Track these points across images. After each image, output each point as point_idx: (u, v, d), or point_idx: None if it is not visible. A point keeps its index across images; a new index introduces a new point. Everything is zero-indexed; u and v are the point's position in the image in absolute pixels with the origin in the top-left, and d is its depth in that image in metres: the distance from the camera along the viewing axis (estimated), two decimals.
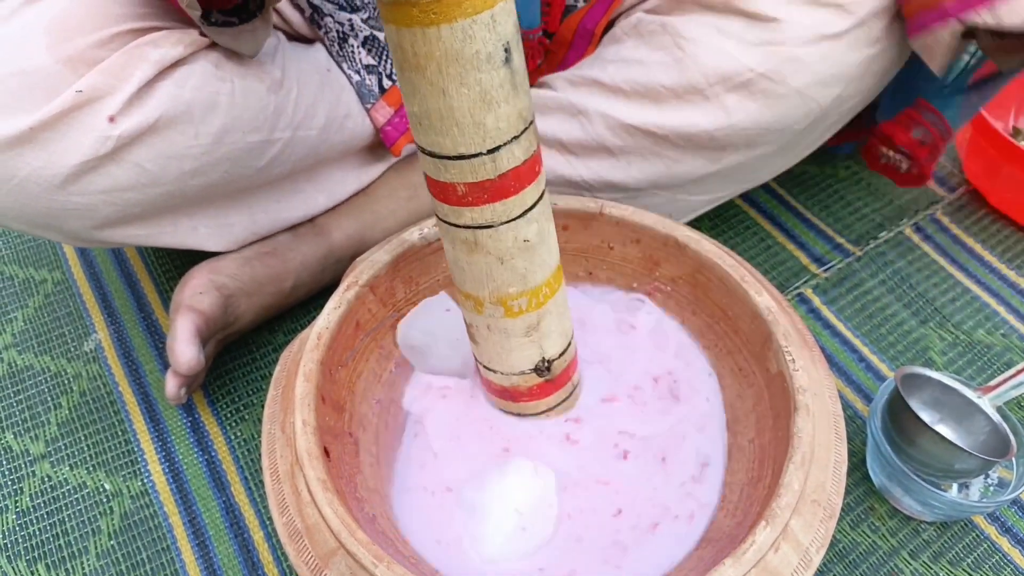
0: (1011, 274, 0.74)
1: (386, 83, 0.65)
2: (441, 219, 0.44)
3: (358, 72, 0.64)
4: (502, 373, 0.51)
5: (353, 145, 0.66)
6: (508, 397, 0.53)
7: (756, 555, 0.41)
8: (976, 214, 0.79)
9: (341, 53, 0.64)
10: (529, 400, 0.52)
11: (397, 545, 0.48)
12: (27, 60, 0.50)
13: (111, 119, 0.51)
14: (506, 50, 0.37)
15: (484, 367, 0.52)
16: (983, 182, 0.79)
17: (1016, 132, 0.84)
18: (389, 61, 0.65)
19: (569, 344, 0.51)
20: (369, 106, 0.64)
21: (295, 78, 0.60)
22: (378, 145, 0.68)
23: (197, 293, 0.59)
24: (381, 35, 0.64)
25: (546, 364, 0.50)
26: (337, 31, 0.63)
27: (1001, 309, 0.72)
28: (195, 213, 0.60)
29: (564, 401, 0.54)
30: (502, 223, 0.42)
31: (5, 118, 0.49)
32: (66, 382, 0.65)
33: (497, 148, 0.39)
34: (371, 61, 0.64)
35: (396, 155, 0.67)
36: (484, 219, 0.42)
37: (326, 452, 0.47)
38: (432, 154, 0.40)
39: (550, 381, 0.51)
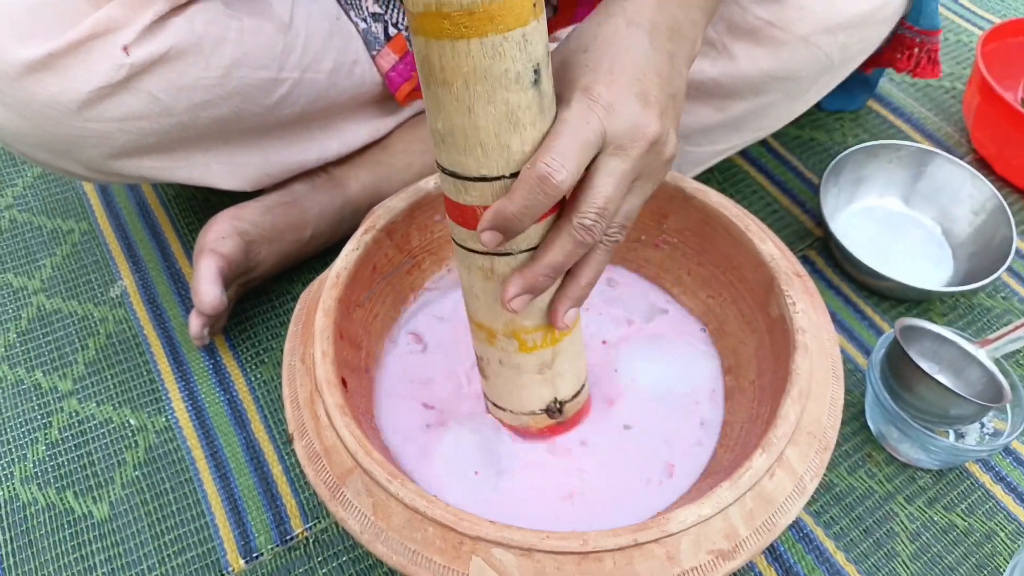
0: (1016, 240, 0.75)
1: (391, 31, 0.67)
2: (458, 244, 0.42)
3: (364, 20, 0.66)
4: (511, 412, 0.50)
5: (363, 92, 0.67)
6: (517, 435, 0.52)
7: (752, 479, 0.43)
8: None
9: (349, 1, 0.66)
10: (539, 440, 0.52)
11: (407, 473, 0.50)
12: None
13: (125, 49, 0.54)
14: (535, 71, 0.36)
15: (493, 404, 0.51)
16: (990, 151, 0.81)
17: None
18: (395, 9, 0.67)
19: (583, 386, 0.51)
20: (375, 53, 0.66)
21: (304, 22, 0.62)
22: (388, 98, 0.70)
23: (220, 237, 0.62)
24: None
25: (558, 405, 0.49)
26: None
27: (1005, 275, 0.73)
28: (208, 150, 0.62)
29: None
30: (521, 251, 0.41)
31: (27, 44, 0.52)
32: (93, 325, 0.68)
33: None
34: (377, 9, 0.66)
35: (400, 101, 0.69)
36: (503, 246, 0.40)
37: (343, 383, 0.49)
38: (453, 174, 0.39)
39: (561, 423, 0.51)
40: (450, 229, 0.43)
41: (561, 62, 0.40)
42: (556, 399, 0.49)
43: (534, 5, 0.35)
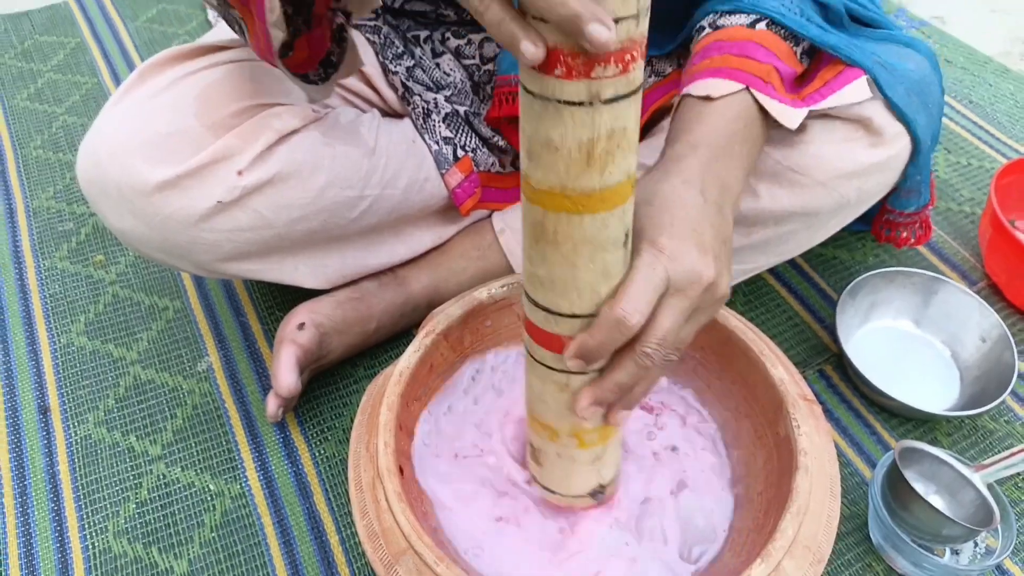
0: (1022, 366, 0.81)
1: (459, 153, 0.77)
2: (538, 361, 0.49)
3: (437, 143, 0.76)
4: (561, 495, 0.58)
5: (431, 205, 0.77)
6: (560, 513, 0.60)
7: None
8: (994, 307, 0.85)
9: (424, 126, 0.76)
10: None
11: (454, 555, 0.57)
12: (180, 123, 0.63)
13: (239, 173, 0.64)
14: (626, 235, 0.44)
15: (543, 487, 0.59)
16: (1001, 279, 0.87)
17: None
18: (463, 134, 0.77)
19: (618, 468, 0.59)
20: (444, 172, 0.76)
21: (386, 147, 0.72)
22: (451, 209, 0.79)
23: (298, 329, 0.71)
24: (461, 110, 0.77)
25: (601, 488, 0.57)
26: (423, 108, 0.76)
27: (1008, 398, 0.78)
28: (297, 254, 0.72)
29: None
30: (593, 370, 0.48)
31: (159, 167, 0.63)
32: (181, 396, 0.77)
33: None
34: (448, 134, 0.76)
35: (464, 214, 0.79)
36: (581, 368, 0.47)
37: (400, 470, 0.57)
38: (547, 310, 0.46)
39: (601, 502, 0.59)
40: (528, 347, 0.50)
41: None
42: (600, 484, 0.56)
43: (632, 185, 0.42)
